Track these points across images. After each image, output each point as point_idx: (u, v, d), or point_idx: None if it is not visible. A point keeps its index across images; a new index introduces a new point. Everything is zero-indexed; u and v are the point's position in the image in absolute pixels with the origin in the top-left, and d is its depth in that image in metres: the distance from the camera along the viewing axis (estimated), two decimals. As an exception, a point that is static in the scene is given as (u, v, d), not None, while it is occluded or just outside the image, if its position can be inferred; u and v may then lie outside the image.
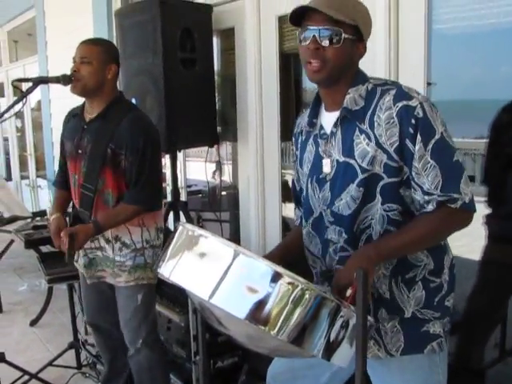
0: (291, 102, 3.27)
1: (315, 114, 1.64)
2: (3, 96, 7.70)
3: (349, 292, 1.24)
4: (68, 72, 2.30)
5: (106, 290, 2.53)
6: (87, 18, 4.81)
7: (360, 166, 1.50)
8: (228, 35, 3.52)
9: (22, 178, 7.87)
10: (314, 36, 1.46)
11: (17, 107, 2.23)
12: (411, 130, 1.42)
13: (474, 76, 2.38)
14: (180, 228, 1.38)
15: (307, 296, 1.21)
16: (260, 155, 3.22)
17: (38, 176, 7.22)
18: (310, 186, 1.65)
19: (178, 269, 1.32)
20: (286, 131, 3.08)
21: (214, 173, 3.93)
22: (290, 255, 1.76)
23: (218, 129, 4.16)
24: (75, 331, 3.35)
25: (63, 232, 2.23)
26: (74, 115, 2.47)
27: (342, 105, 1.52)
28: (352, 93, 1.52)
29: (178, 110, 3.07)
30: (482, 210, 2.32)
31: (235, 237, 3.63)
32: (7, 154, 8.44)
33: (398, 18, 2.29)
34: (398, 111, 1.44)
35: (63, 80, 2.26)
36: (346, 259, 1.49)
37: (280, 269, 1.22)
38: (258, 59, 3.12)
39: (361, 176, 1.50)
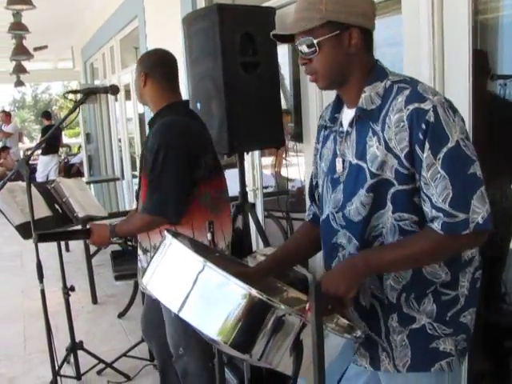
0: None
1: (338, 109, 1.57)
2: (116, 100, 8.26)
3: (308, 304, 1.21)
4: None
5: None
6: (177, 25, 5.01)
7: (369, 170, 1.41)
8: (297, 36, 3.49)
9: (134, 177, 8.41)
10: (298, 52, 1.45)
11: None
12: (421, 136, 1.32)
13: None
14: (164, 237, 1.41)
15: (269, 311, 1.19)
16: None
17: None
18: (324, 185, 1.59)
19: (154, 279, 1.36)
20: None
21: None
22: (285, 263, 1.73)
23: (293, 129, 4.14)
24: (148, 325, 3.51)
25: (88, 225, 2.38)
26: None
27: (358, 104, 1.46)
28: (368, 91, 1.43)
29: (241, 112, 3.10)
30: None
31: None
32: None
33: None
34: (409, 114, 1.33)
35: (111, 90, 2.40)
36: None
37: (241, 283, 1.21)
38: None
39: (370, 181, 1.41)
